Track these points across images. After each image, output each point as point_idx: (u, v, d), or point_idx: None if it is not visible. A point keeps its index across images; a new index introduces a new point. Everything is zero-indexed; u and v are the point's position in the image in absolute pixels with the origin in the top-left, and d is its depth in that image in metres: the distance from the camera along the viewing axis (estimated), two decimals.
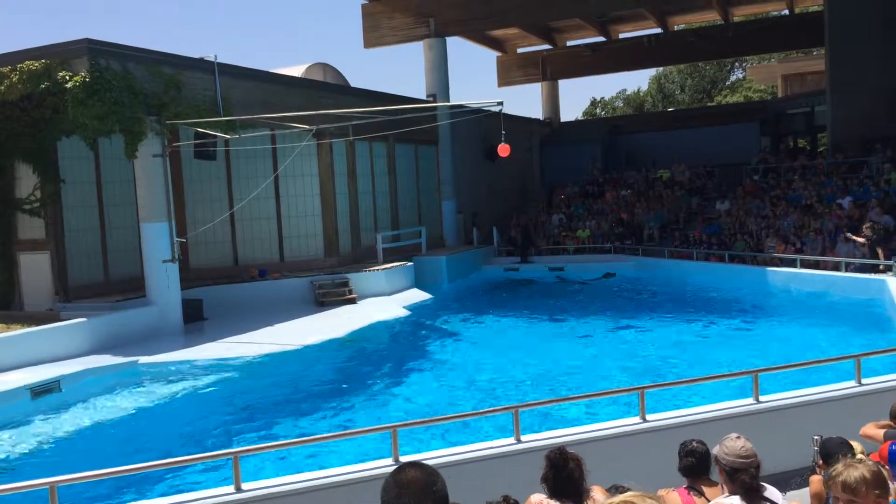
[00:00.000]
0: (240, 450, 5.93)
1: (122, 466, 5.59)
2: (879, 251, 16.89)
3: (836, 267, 17.25)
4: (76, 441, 9.67)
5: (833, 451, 4.13)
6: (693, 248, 21.53)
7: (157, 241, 15.16)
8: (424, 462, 2.25)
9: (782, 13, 33.04)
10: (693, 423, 6.48)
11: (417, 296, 19.23)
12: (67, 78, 13.73)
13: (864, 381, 7.22)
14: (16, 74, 14.15)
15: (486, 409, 7.36)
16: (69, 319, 13.57)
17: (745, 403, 6.93)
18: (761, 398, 6.93)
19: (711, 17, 32.78)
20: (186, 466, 7.41)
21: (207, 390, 11.82)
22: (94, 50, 13.98)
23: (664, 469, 4.77)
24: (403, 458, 5.84)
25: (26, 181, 15.93)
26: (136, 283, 16.13)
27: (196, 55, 16.67)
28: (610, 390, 9.05)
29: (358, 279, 18.75)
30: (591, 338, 14.99)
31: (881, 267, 16.55)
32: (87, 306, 14.98)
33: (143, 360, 12.90)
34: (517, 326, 16.55)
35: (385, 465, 5.81)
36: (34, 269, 15.93)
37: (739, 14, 32.96)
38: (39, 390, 11.18)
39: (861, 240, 17.36)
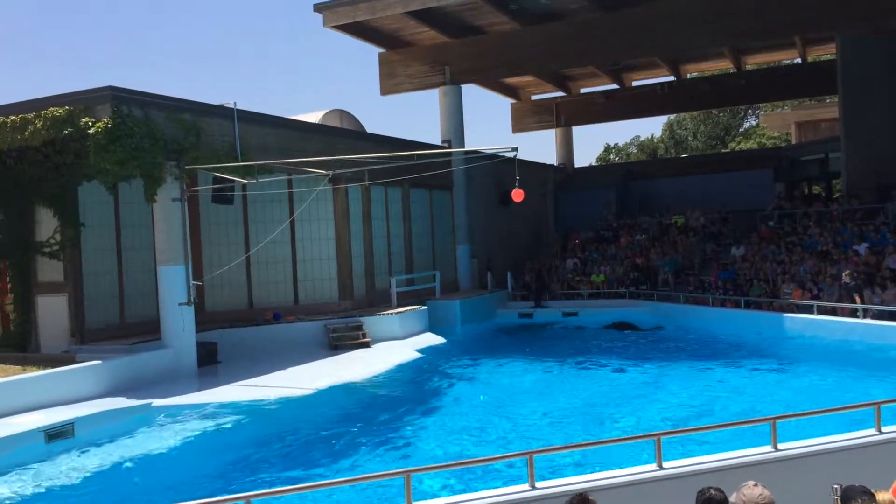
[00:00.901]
0: (253, 494, 5.88)
1: None
2: (857, 297, 16.99)
3: (853, 313, 17.12)
4: (88, 484, 9.64)
5: (853, 498, 4.06)
6: (709, 294, 21.42)
7: (173, 284, 15.28)
8: None
9: (795, 61, 33.31)
10: (710, 471, 6.38)
11: (431, 339, 19.18)
12: (90, 124, 13.98)
13: (884, 429, 7.11)
14: (40, 120, 14.43)
15: (500, 455, 7.29)
16: (84, 362, 13.62)
17: (763, 451, 6.83)
18: (779, 446, 6.83)
19: (724, 65, 33.12)
20: None
21: (220, 434, 11.79)
22: (116, 97, 14.28)
23: None
24: None
25: (46, 225, 16.18)
26: (151, 326, 16.22)
27: (216, 102, 17.03)
28: (626, 437, 8.96)
29: (372, 323, 18.77)
30: (609, 385, 14.86)
31: (858, 313, 16.79)
32: (102, 349, 15.05)
33: (157, 402, 12.89)
34: (532, 371, 16.42)
35: None
36: (51, 312, 16.07)
37: (752, 62, 33.25)
38: (54, 433, 11.18)
39: (846, 279, 17.40)
